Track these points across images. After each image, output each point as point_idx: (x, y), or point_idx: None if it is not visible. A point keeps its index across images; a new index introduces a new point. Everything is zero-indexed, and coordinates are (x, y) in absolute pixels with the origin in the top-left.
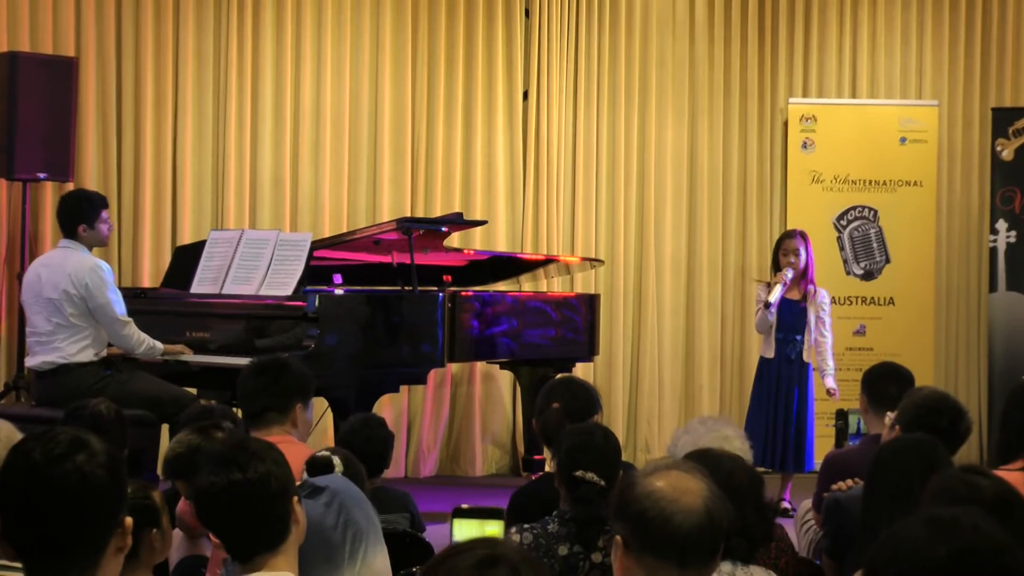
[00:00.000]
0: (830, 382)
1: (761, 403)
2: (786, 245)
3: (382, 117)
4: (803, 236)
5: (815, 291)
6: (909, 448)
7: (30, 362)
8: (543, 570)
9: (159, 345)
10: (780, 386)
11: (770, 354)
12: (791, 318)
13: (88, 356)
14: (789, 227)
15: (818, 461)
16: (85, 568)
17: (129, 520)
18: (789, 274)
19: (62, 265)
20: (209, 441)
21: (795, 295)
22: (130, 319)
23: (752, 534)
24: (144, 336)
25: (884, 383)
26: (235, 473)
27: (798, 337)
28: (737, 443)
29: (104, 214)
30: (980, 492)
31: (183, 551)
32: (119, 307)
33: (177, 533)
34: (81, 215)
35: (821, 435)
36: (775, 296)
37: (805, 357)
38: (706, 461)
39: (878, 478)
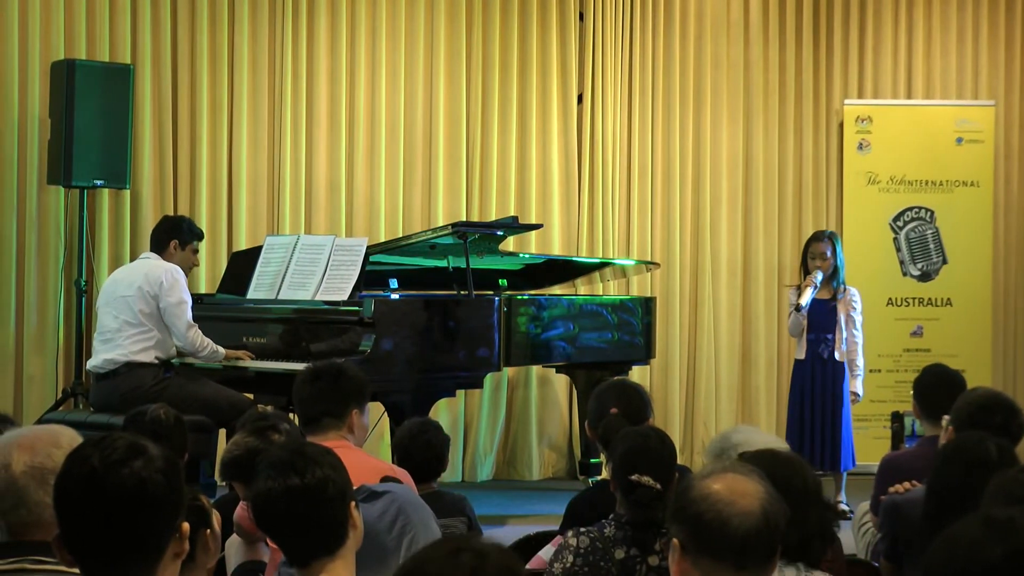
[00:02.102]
0: (856, 385)
1: (795, 405)
2: (813, 248)
3: (437, 122)
4: (831, 238)
5: (845, 290)
6: (969, 448)
7: (91, 363)
8: (514, 561)
9: (221, 350)
10: (814, 386)
11: (802, 355)
12: (821, 317)
13: (149, 357)
14: (845, 229)
15: (859, 460)
16: (142, 574)
17: (187, 525)
18: (819, 276)
19: (140, 267)
20: (266, 443)
21: (825, 295)
22: (195, 323)
23: (813, 548)
24: (207, 340)
25: (933, 390)
26: (292, 478)
27: (829, 336)
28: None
29: (197, 245)
30: None
31: (241, 556)
32: (188, 310)
33: (235, 538)
34: (179, 232)
35: (877, 437)
36: (806, 298)
37: (837, 356)
38: (763, 462)
39: (939, 480)
